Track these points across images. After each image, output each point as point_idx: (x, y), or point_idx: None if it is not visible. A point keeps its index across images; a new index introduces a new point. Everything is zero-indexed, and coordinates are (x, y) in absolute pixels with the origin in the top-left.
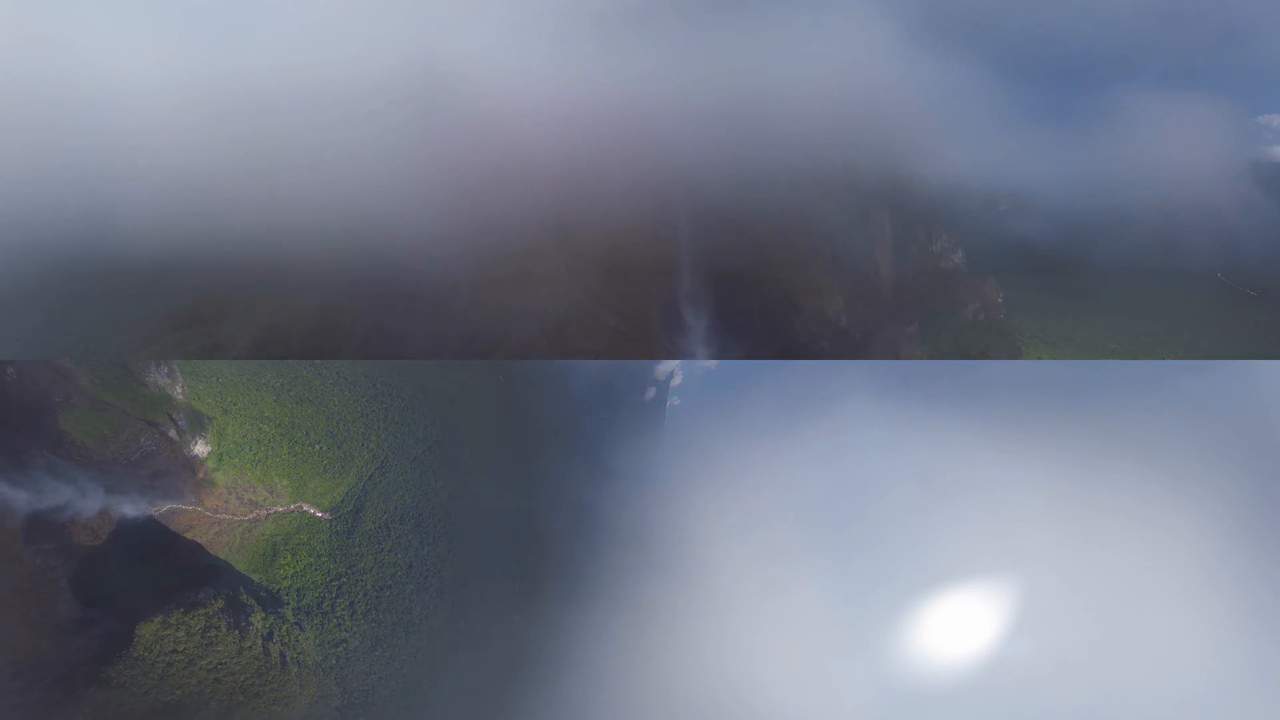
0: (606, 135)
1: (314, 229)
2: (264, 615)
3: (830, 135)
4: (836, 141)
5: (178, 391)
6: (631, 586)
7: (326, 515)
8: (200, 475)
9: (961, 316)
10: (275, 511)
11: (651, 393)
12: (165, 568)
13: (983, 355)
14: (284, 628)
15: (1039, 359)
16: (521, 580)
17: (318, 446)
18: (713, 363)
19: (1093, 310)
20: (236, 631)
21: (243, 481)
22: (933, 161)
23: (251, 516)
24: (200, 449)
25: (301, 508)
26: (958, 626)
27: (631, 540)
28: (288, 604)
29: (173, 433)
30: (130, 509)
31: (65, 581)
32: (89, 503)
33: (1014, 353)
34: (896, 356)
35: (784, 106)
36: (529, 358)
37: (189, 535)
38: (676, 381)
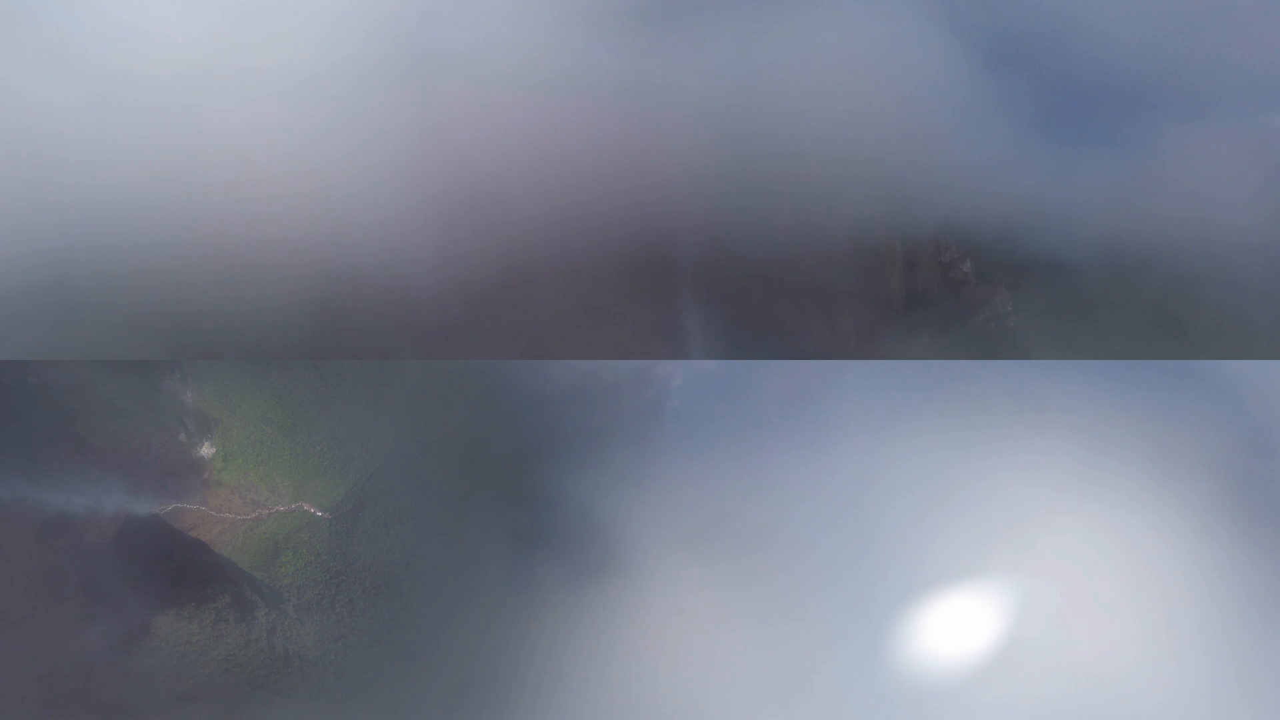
0: (608, 135)
1: (312, 228)
2: (267, 611)
3: (841, 142)
4: (846, 149)
5: (188, 396)
6: (627, 587)
7: (327, 514)
8: (206, 475)
9: (971, 324)
10: (277, 511)
11: (650, 394)
12: (172, 565)
13: (991, 357)
14: (286, 623)
15: (1044, 359)
16: (518, 579)
17: (318, 447)
18: (712, 364)
19: (1097, 311)
20: (243, 625)
21: (246, 481)
22: (944, 178)
23: (254, 515)
24: (207, 450)
25: (302, 507)
26: (955, 630)
27: (628, 541)
28: (289, 600)
29: (182, 436)
30: (139, 508)
31: (78, 578)
32: (108, 503)
33: (1022, 354)
34: (903, 357)
35: (793, 112)
36: (529, 358)
37: (193, 534)
38: (676, 383)
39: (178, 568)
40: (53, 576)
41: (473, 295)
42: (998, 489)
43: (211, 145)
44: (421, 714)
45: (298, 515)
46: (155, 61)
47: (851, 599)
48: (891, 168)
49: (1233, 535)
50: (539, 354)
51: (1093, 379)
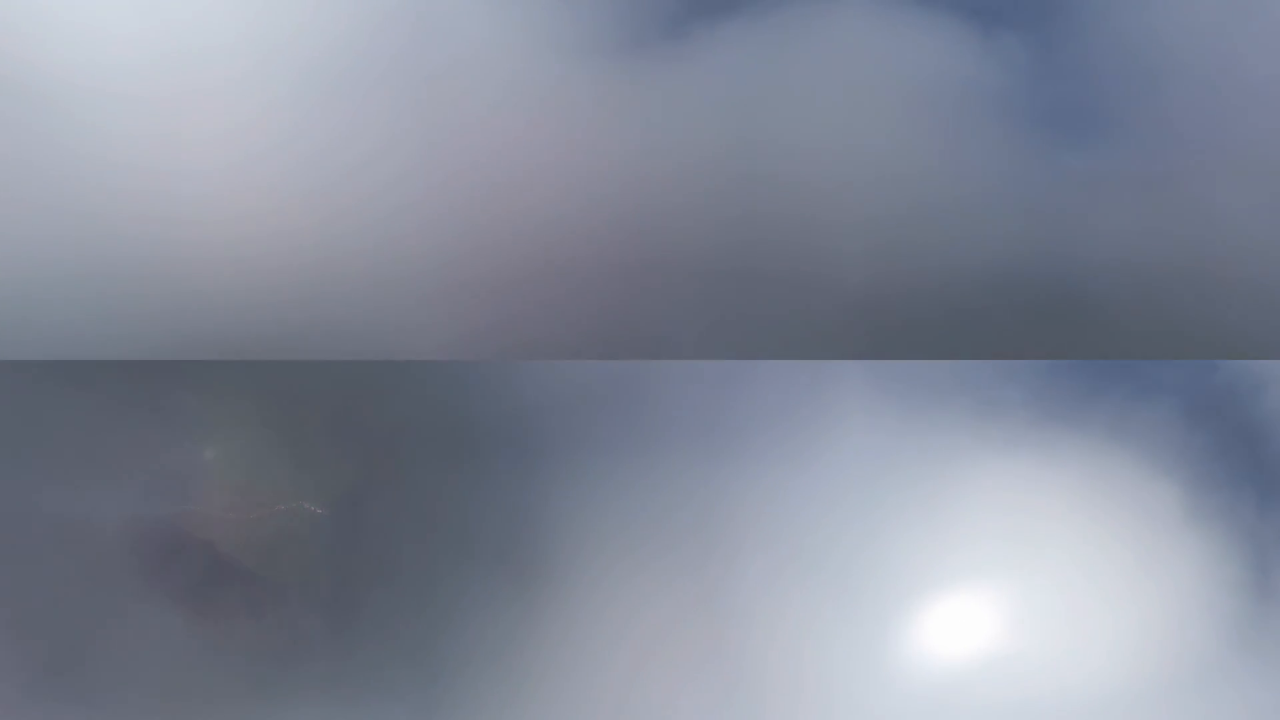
0: (609, 135)
1: (311, 227)
2: (274, 607)
3: (848, 166)
4: (853, 173)
5: (190, 398)
6: (616, 588)
7: (328, 512)
8: (210, 476)
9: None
10: (279, 509)
11: (643, 395)
12: (179, 565)
13: (990, 357)
14: (293, 619)
15: (1044, 359)
16: (516, 577)
17: (319, 445)
18: (706, 364)
19: (1097, 310)
20: (252, 621)
21: (249, 481)
22: (961, 209)
23: (256, 515)
24: (210, 451)
25: (304, 505)
26: (945, 639)
27: (618, 544)
28: (293, 597)
29: (186, 438)
30: (147, 511)
31: (91, 581)
32: (118, 506)
33: (1021, 354)
34: (901, 357)
35: (798, 133)
36: (525, 359)
37: (199, 535)
38: (670, 384)
39: (182, 569)
40: (65, 581)
41: (470, 297)
42: (995, 493)
43: (201, 142)
44: (427, 704)
45: (299, 513)
46: (130, 60)
47: (837, 605)
48: (903, 196)
49: (1247, 549)
50: (532, 355)
51: (1097, 378)
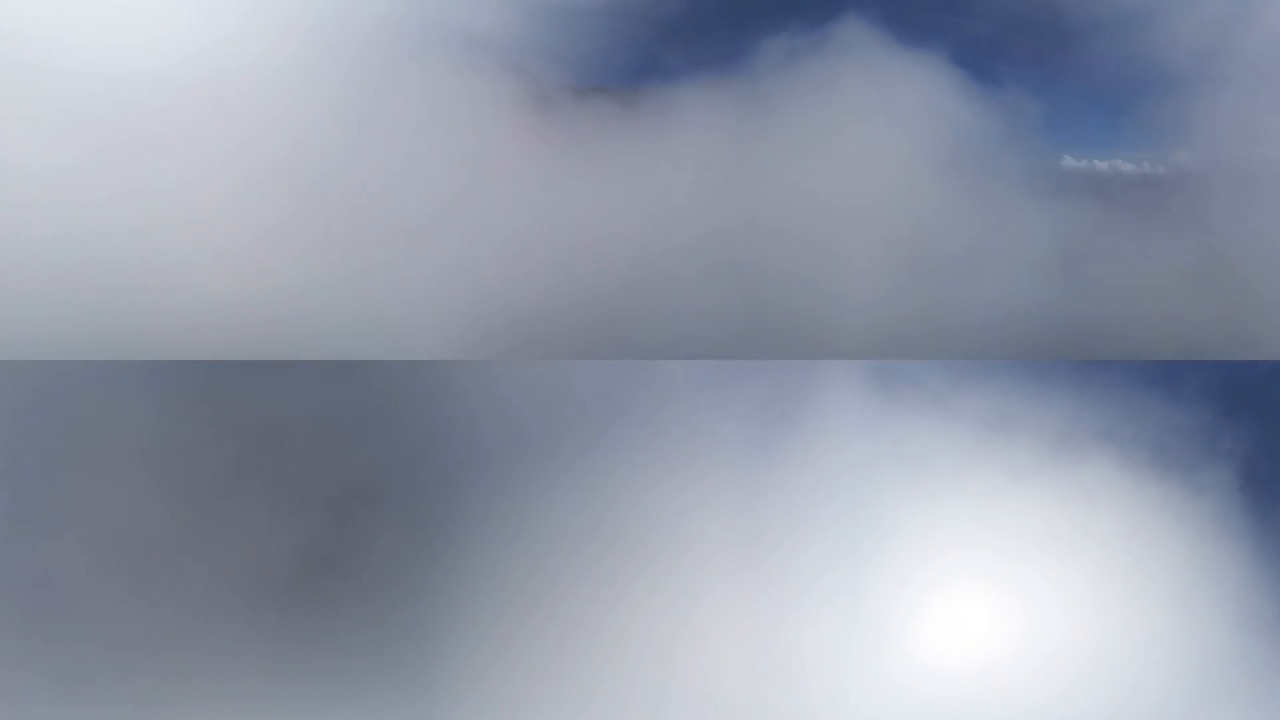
0: (608, 139)
1: (308, 227)
2: (272, 604)
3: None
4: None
5: (192, 397)
6: (613, 585)
7: (327, 510)
8: (209, 475)
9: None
10: (277, 507)
11: (637, 396)
12: (186, 565)
13: (991, 356)
14: (288, 616)
15: (1044, 359)
16: (514, 573)
17: (319, 444)
18: (699, 363)
19: (1096, 309)
20: (251, 619)
21: (247, 479)
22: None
23: (254, 513)
24: (211, 450)
25: (302, 503)
26: (941, 648)
27: (616, 542)
28: (291, 594)
29: (188, 437)
30: (147, 509)
31: (90, 578)
32: (118, 505)
33: (1022, 353)
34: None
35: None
36: (514, 359)
37: (200, 534)
38: (663, 385)
39: (187, 566)
40: (65, 578)
41: (471, 297)
42: (994, 494)
43: (204, 148)
44: (424, 696)
45: (298, 512)
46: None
47: (835, 606)
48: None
49: (1235, 538)
50: (528, 354)
51: (1101, 378)
